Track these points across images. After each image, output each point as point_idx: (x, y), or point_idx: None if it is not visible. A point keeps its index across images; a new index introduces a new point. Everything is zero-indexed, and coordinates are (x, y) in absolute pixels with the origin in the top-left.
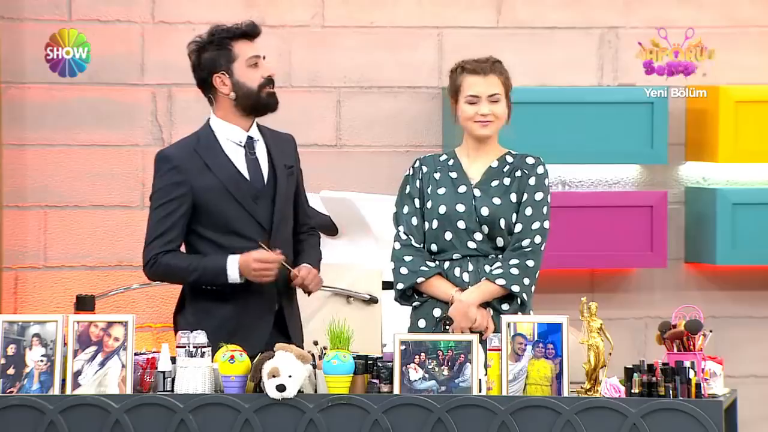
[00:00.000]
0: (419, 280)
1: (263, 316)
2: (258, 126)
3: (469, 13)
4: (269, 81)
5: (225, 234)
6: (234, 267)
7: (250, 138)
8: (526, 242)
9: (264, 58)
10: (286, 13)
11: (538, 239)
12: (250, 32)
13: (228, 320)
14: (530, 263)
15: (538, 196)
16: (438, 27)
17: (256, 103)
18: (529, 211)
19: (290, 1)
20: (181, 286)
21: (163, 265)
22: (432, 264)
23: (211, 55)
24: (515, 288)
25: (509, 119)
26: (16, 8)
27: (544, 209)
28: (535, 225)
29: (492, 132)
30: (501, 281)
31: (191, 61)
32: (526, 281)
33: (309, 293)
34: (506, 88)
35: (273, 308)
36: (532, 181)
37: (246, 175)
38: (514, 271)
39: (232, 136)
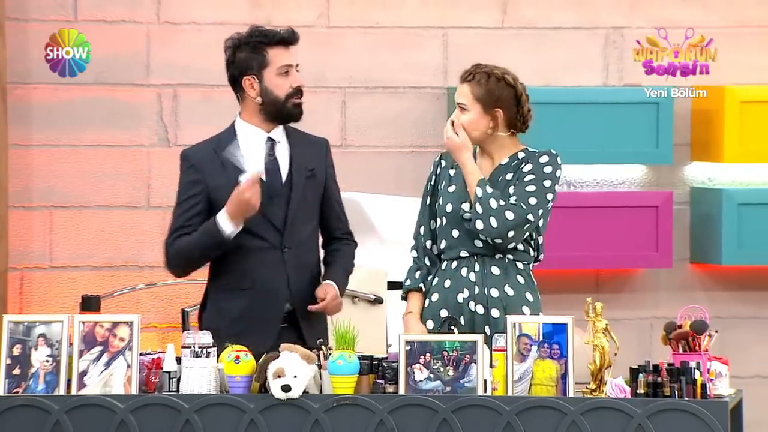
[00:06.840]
0: (404, 289)
1: (270, 318)
2: (286, 128)
3: (474, 13)
4: (297, 91)
5: (240, 232)
6: (222, 216)
7: (270, 139)
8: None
9: (297, 66)
10: (291, 13)
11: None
12: (287, 39)
13: (236, 321)
14: (509, 215)
15: (528, 177)
16: (443, 27)
17: (281, 111)
18: (512, 189)
19: (295, 2)
20: (204, 287)
21: (174, 249)
22: (417, 276)
23: (245, 56)
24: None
25: (520, 128)
26: (22, 9)
27: (529, 188)
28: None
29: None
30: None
31: (226, 56)
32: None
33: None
34: (485, 99)
35: (281, 309)
36: (526, 167)
37: (263, 175)
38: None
39: (253, 137)
